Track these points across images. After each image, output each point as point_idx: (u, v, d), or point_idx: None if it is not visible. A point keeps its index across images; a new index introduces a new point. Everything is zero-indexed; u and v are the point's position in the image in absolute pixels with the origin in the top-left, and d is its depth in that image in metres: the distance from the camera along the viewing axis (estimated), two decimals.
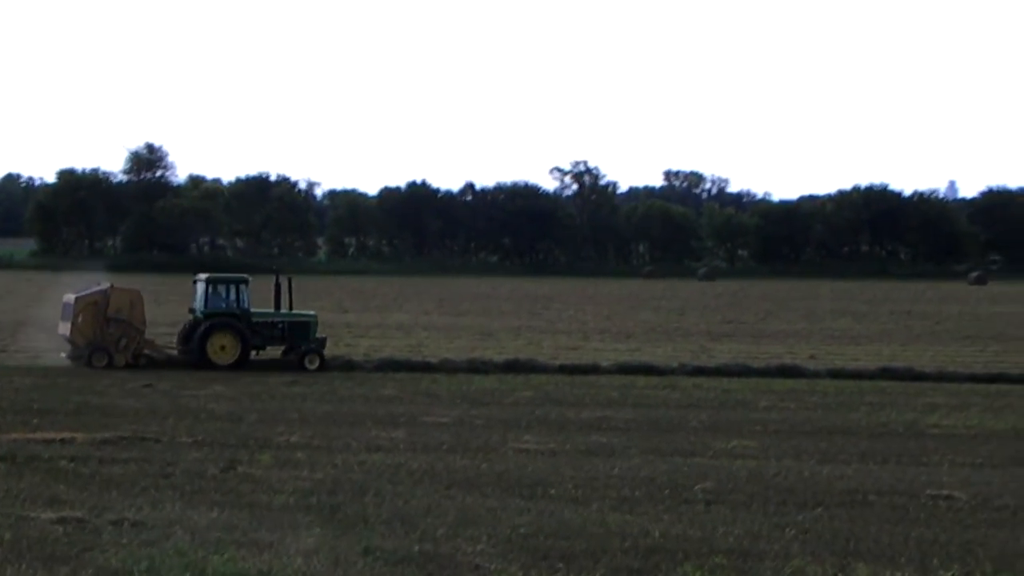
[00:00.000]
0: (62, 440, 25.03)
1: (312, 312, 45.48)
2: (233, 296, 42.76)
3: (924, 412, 34.71)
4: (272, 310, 43.48)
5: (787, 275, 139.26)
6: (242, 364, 41.92)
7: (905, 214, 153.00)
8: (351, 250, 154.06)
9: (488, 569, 15.02)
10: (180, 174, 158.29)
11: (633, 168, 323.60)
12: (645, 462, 24.59)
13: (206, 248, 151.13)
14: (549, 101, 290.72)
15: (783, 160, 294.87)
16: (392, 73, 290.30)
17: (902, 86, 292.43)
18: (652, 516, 18.94)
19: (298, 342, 43.10)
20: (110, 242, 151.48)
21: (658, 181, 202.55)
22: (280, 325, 43.13)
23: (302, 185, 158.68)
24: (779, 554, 16.20)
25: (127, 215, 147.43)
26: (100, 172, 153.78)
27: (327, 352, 43.98)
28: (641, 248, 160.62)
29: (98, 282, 43.68)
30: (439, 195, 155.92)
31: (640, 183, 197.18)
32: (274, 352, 43.96)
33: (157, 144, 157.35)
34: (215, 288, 42.84)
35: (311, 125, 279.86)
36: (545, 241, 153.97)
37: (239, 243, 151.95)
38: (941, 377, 44.70)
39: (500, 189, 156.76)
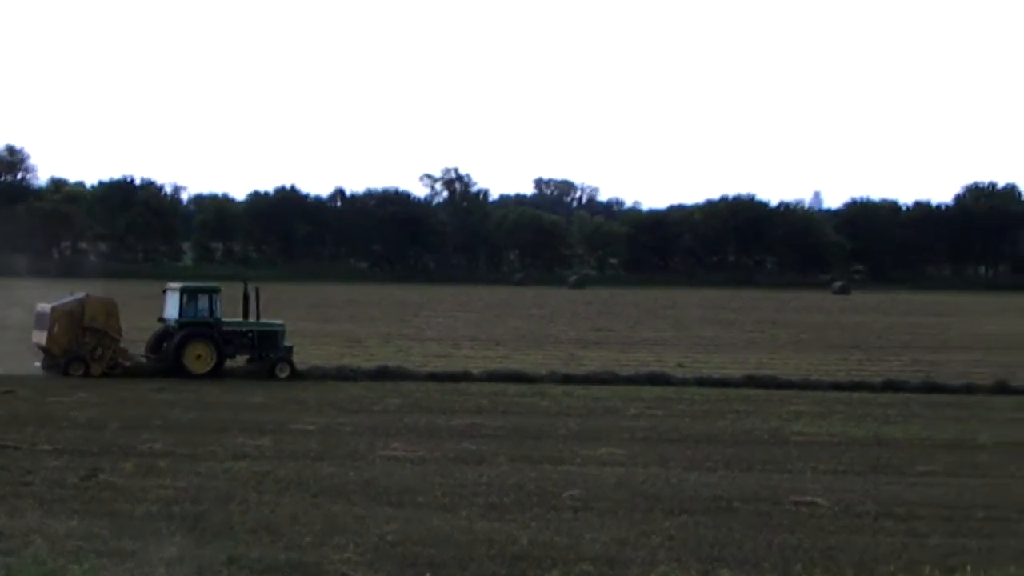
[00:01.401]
0: None
1: (280, 322, 45.63)
2: (206, 305, 42.99)
3: (788, 420, 35.23)
4: (241, 319, 43.66)
5: (656, 283, 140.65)
6: (217, 372, 42.14)
7: (771, 224, 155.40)
8: (218, 255, 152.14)
9: None
10: (42, 177, 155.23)
11: (504, 176, 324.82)
12: (514, 469, 24.62)
13: (68, 252, 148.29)
14: (420, 107, 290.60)
15: (653, 170, 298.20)
16: (260, 76, 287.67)
17: (768, 96, 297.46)
18: (520, 523, 18.96)
19: (267, 351, 43.36)
20: None
21: (529, 189, 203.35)
22: (250, 334, 43.44)
23: (168, 189, 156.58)
24: (645, 560, 16.30)
25: None
26: None
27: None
28: (512, 256, 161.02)
29: (71, 292, 43.60)
30: (308, 200, 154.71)
31: (511, 191, 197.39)
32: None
33: (18, 146, 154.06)
34: (189, 297, 43.07)
35: (177, 128, 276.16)
36: (415, 248, 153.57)
37: (103, 247, 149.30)
38: (805, 385, 45.41)
39: (370, 195, 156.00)
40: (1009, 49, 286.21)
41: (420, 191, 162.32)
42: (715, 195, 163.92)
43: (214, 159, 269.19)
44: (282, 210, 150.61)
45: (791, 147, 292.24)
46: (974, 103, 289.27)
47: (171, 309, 43.15)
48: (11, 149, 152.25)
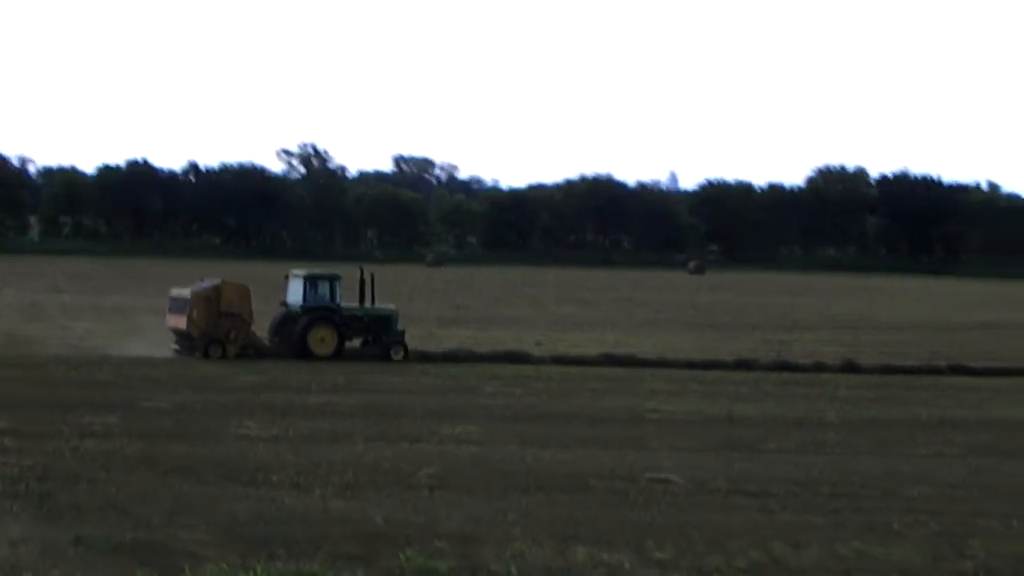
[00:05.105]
0: None
1: (393, 306, 47.05)
2: (327, 291, 44.94)
3: (644, 398, 35.55)
4: (357, 304, 45.25)
5: (514, 262, 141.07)
6: (338, 355, 43.87)
7: (628, 204, 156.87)
8: (66, 230, 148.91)
9: (205, 557, 14.66)
10: None
11: (363, 152, 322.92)
12: (370, 448, 24.47)
13: None
14: (277, 81, 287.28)
15: (512, 148, 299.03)
16: (110, 45, 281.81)
17: (626, 77, 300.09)
18: (375, 502, 18.83)
19: (382, 334, 45.08)
20: None
21: (388, 166, 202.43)
22: (366, 318, 45.20)
23: (14, 161, 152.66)
24: (501, 538, 16.28)
25: None
26: None
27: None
28: (370, 233, 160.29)
29: (202, 278, 46.15)
30: (161, 174, 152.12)
31: (370, 167, 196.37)
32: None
33: None
34: (313, 284, 45.00)
35: (25, 99, 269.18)
36: (271, 224, 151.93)
37: None
38: (661, 363, 45.90)
39: (226, 170, 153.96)
40: (858, 34, 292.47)
41: (277, 166, 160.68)
42: (574, 175, 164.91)
43: (63, 131, 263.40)
44: (133, 184, 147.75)
45: (648, 128, 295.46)
46: (828, 87, 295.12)
47: (294, 295, 45.01)
48: None
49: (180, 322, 43.78)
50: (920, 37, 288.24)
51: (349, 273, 46.95)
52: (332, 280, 45.52)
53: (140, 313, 60.92)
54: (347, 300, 45.59)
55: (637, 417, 31.44)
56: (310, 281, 45.18)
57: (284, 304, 45.57)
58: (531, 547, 15.65)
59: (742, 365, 46.22)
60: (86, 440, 23.88)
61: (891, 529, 18.15)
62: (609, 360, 46.06)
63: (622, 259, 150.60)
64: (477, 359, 45.25)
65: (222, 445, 24.16)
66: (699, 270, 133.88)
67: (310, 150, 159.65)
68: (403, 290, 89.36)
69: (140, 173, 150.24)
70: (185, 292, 44.25)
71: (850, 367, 46.40)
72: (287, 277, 46.32)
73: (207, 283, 44.88)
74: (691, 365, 45.89)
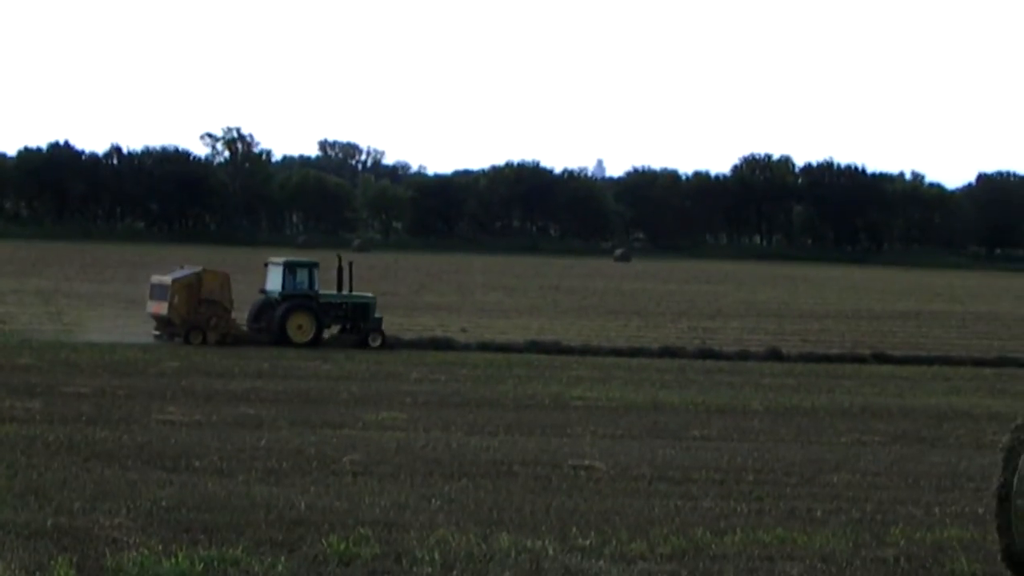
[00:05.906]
0: None
1: (371, 294, 47.83)
2: (305, 279, 45.37)
3: (569, 385, 35.63)
4: (335, 292, 45.78)
5: (441, 248, 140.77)
6: (316, 342, 44.21)
7: (555, 191, 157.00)
8: None
9: (126, 542, 14.52)
10: None
11: (288, 137, 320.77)
12: (294, 434, 24.36)
13: None
14: (201, 64, 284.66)
15: (439, 134, 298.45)
16: (30, 26, 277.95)
17: (553, 64, 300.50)
18: (299, 488, 18.75)
19: (360, 321, 45.65)
20: None
21: (313, 151, 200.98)
22: (344, 306, 45.73)
23: None
24: (424, 524, 16.26)
25: None
26: None
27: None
28: (295, 217, 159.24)
29: (181, 265, 46.64)
30: (83, 157, 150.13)
31: (295, 152, 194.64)
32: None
33: None
34: (291, 271, 45.37)
35: None
36: (196, 208, 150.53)
37: None
38: (586, 351, 46.04)
39: (148, 153, 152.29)
40: (783, 25, 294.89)
41: (201, 150, 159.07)
42: (500, 161, 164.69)
43: None
44: (54, 167, 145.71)
45: (575, 115, 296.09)
46: (753, 76, 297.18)
47: (273, 282, 45.45)
48: None
49: (161, 308, 44.10)
50: (844, 28, 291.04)
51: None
52: (311, 267, 46.09)
53: (61, 296, 60.22)
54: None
55: (562, 404, 31.51)
56: (289, 268, 45.72)
57: (263, 291, 45.85)
58: (455, 533, 15.65)
59: (667, 353, 46.45)
60: (6, 425, 23.58)
61: (813, 516, 18.32)
62: (534, 347, 46.13)
63: (549, 246, 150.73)
64: (402, 346, 45.19)
65: (144, 430, 23.95)
66: (625, 258, 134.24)
67: (234, 134, 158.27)
68: (329, 276, 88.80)
69: (62, 156, 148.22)
70: (166, 279, 44.61)
71: (774, 355, 46.78)
72: (266, 264, 46.62)
73: (188, 270, 45.30)
74: (616, 352, 46.05)
